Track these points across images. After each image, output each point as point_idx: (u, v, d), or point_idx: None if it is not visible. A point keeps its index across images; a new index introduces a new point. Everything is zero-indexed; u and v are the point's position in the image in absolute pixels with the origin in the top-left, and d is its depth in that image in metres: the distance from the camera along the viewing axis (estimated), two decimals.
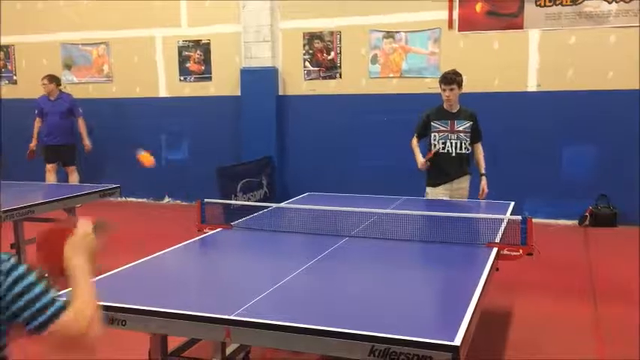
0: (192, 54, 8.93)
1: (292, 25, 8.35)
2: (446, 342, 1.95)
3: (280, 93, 8.51)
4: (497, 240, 3.35)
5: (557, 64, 7.30)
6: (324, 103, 8.28)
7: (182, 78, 9.03)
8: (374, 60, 8.06)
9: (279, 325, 2.13)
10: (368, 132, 8.08)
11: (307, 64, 8.39)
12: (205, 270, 3.21)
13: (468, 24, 7.59)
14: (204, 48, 8.85)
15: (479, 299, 2.42)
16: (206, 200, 3.89)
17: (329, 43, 8.23)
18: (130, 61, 9.25)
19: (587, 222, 7.22)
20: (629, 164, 7.10)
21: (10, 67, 9.99)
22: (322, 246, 3.28)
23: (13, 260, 1.56)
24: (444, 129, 5.01)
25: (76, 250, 1.74)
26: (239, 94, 8.58)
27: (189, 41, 8.91)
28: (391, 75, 8.01)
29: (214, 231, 3.72)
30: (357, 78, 8.15)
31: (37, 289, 1.55)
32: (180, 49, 8.97)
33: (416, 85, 7.88)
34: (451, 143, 5.00)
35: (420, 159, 5.06)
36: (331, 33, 8.21)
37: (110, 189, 5.52)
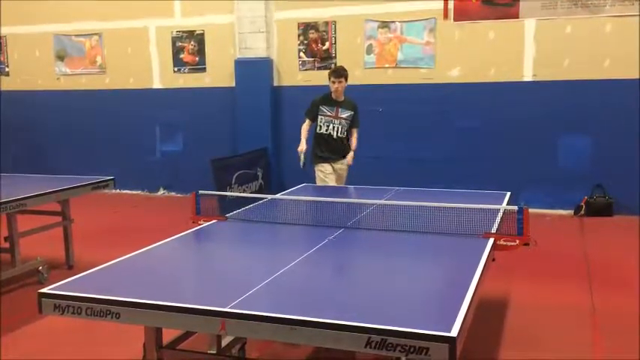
0: (186, 45, 8.88)
1: (287, 16, 8.31)
2: (443, 333, 1.94)
3: (275, 84, 8.47)
4: (494, 230, 3.34)
5: (553, 53, 7.29)
6: (319, 94, 8.24)
7: (176, 69, 8.98)
8: (369, 50, 8.02)
9: (275, 317, 2.11)
10: (363, 123, 8.02)
11: (302, 54, 8.34)
12: (200, 262, 3.19)
13: (463, 14, 7.56)
14: (198, 39, 8.80)
15: (475, 290, 2.40)
16: (201, 192, 3.87)
17: (324, 33, 8.19)
18: (123, 52, 9.19)
19: (582, 212, 7.23)
20: (625, 154, 7.10)
21: (2, 59, 9.91)
22: (318, 237, 3.26)
23: None
24: (330, 114, 5.80)
25: None
26: (234, 85, 8.54)
27: (183, 32, 8.85)
28: (386, 65, 7.98)
29: (209, 223, 3.69)
30: (352, 68, 8.03)
31: None
32: (174, 40, 8.92)
33: (411, 75, 7.85)
34: (334, 127, 5.79)
35: (303, 144, 5.79)
36: (326, 23, 8.16)
37: (104, 181, 5.48)
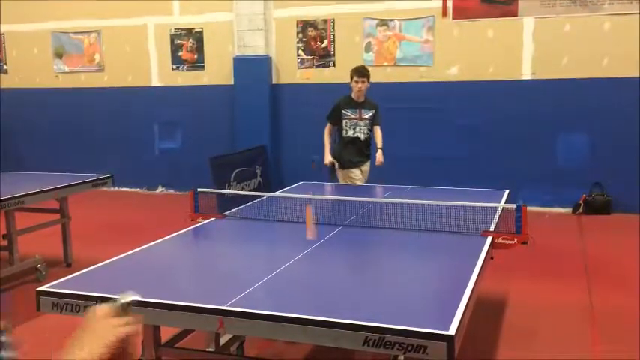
0: (184, 42, 8.86)
1: (285, 13, 8.29)
2: (440, 331, 1.94)
3: (274, 82, 8.46)
4: (492, 228, 3.34)
5: (552, 51, 7.28)
6: (318, 92, 8.24)
7: (175, 67, 8.97)
8: (368, 48, 8.01)
9: (273, 315, 2.11)
10: None
11: (301, 52, 8.34)
12: (198, 260, 3.19)
13: (462, 12, 7.55)
14: (196, 36, 8.79)
15: (473, 288, 2.41)
16: (199, 190, 3.87)
17: (322, 31, 8.18)
18: (121, 50, 9.17)
19: (580, 210, 7.23)
20: (623, 152, 7.10)
21: (0, 57, 9.89)
22: (316, 235, 3.26)
23: None
24: (354, 117, 5.62)
25: (85, 343, 1.13)
26: (232, 83, 8.53)
27: (182, 30, 8.84)
28: (385, 63, 7.97)
29: (207, 221, 3.69)
30: (350, 66, 8.01)
31: None
32: (173, 38, 8.90)
33: (410, 73, 7.85)
34: (360, 129, 5.62)
35: (328, 156, 5.62)
36: (325, 21, 8.15)
37: (103, 179, 5.48)
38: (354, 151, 5.60)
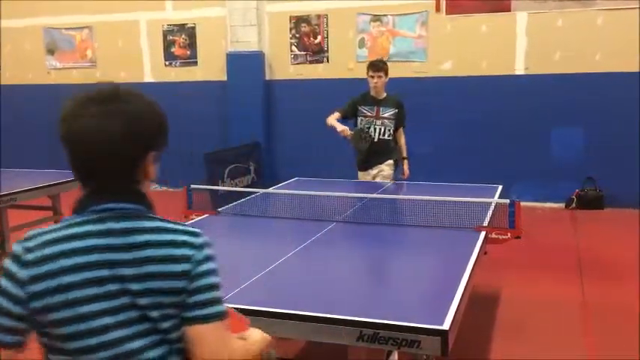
0: (177, 38, 8.83)
1: (279, 9, 8.27)
2: (434, 326, 1.94)
3: (267, 78, 8.44)
4: (486, 223, 3.35)
5: (545, 47, 7.30)
6: (311, 88, 8.22)
7: (167, 63, 8.93)
8: (361, 44, 8.00)
9: (267, 311, 2.11)
10: None
11: (294, 48, 8.32)
12: None
13: (455, 7, 7.55)
14: (189, 32, 8.75)
15: (467, 283, 2.41)
16: (192, 186, 3.86)
17: (316, 26, 8.16)
18: (114, 46, 9.12)
19: (574, 204, 7.26)
20: (616, 146, 7.13)
21: None
22: (310, 231, 3.26)
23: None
24: (370, 114, 5.10)
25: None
26: (225, 78, 8.50)
27: (175, 25, 8.80)
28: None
29: (201, 217, 3.69)
30: (344, 62, 8.09)
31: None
32: (166, 34, 8.86)
33: (403, 69, 7.83)
34: (375, 129, 5.07)
35: (339, 125, 4.97)
36: (318, 16, 8.13)
37: None
38: (366, 152, 5.03)
